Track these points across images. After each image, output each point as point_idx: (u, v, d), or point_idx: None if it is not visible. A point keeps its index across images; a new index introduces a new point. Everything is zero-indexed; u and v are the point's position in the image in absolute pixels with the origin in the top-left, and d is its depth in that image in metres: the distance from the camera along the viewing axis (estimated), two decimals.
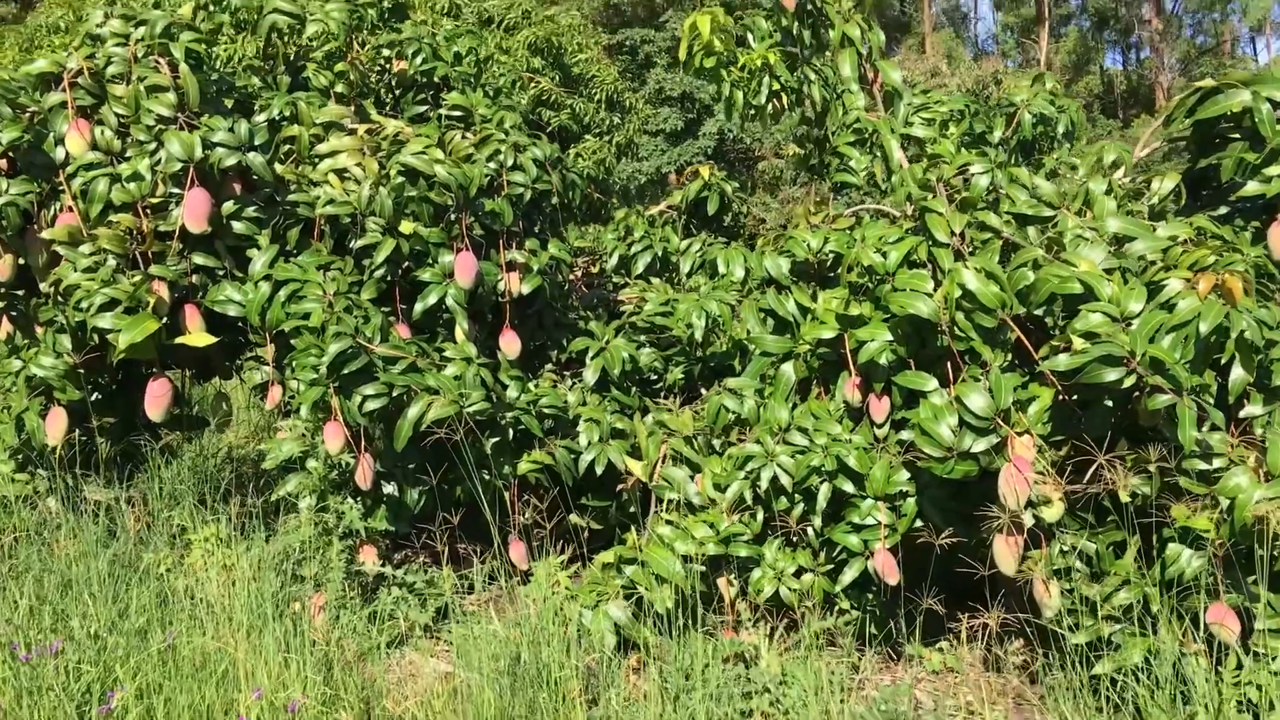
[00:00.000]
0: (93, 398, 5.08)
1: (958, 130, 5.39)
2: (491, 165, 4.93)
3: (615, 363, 5.19)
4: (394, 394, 4.36)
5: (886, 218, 4.88)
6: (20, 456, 5.07)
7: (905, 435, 4.13)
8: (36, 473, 5.14)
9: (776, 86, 5.80)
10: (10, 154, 4.48)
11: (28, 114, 4.49)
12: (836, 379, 4.45)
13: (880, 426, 4.25)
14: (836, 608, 4.42)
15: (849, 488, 4.20)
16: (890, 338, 4.06)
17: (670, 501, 4.67)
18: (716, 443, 4.82)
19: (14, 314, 4.81)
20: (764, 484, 4.31)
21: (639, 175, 25.41)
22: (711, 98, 26.39)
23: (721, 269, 5.22)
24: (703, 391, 5.53)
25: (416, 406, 4.39)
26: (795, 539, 4.48)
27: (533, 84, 12.64)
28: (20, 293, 4.86)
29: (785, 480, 4.30)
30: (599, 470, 5.02)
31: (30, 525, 4.77)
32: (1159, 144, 5.04)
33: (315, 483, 4.63)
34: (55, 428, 4.78)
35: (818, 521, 4.33)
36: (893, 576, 4.10)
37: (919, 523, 4.15)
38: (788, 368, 4.64)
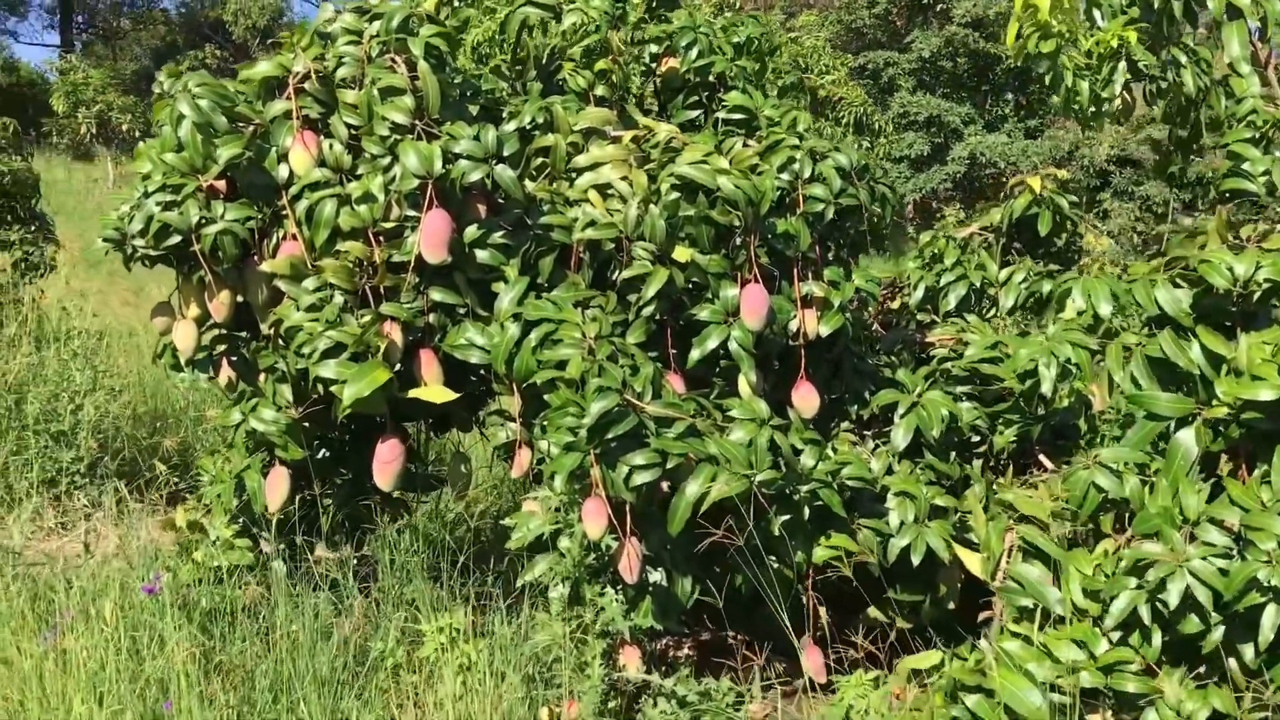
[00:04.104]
0: (319, 454, 4.42)
1: None
2: (784, 177, 3.98)
3: (933, 421, 4.11)
4: (668, 465, 3.45)
5: None
6: (241, 520, 4.45)
7: None
8: (262, 535, 4.52)
9: (1126, 76, 4.61)
10: (230, 174, 3.86)
11: (251, 127, 3.86)
12: (1271, 455, 3.24)
13: None
14: None
15: None
16: None
17: (1020, 609, 3.56)
18: (1065, 526, 3.70)
19: (234, 359, 4.19)
20: (1173, 598, 3.13)
21: None
22: (962, 119, 24.81)
23: (1079, 303, 4.07)
24: (1041, 459, 4.38)
25: (697, 482, 3.46)
26: (1205, 671, 3.28)
27: None
28: (243, 334, 4.25)
29: (1202, 594, 3.12)
30: (916, 559, 3.96)
31: (246, 602, 4.13)
32: None
33: (569, 568, 3.78)
34: (276, 491, 4.13)
35: (1249, 653, 3.13)
36: None
37: None
38: (1186, 436, 3.45)
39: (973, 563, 3.74)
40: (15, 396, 6.33)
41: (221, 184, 3.88)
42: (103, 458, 6.31)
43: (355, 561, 4.41)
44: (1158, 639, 3.27)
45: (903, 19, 27.89)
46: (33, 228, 8.70)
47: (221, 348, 4.22)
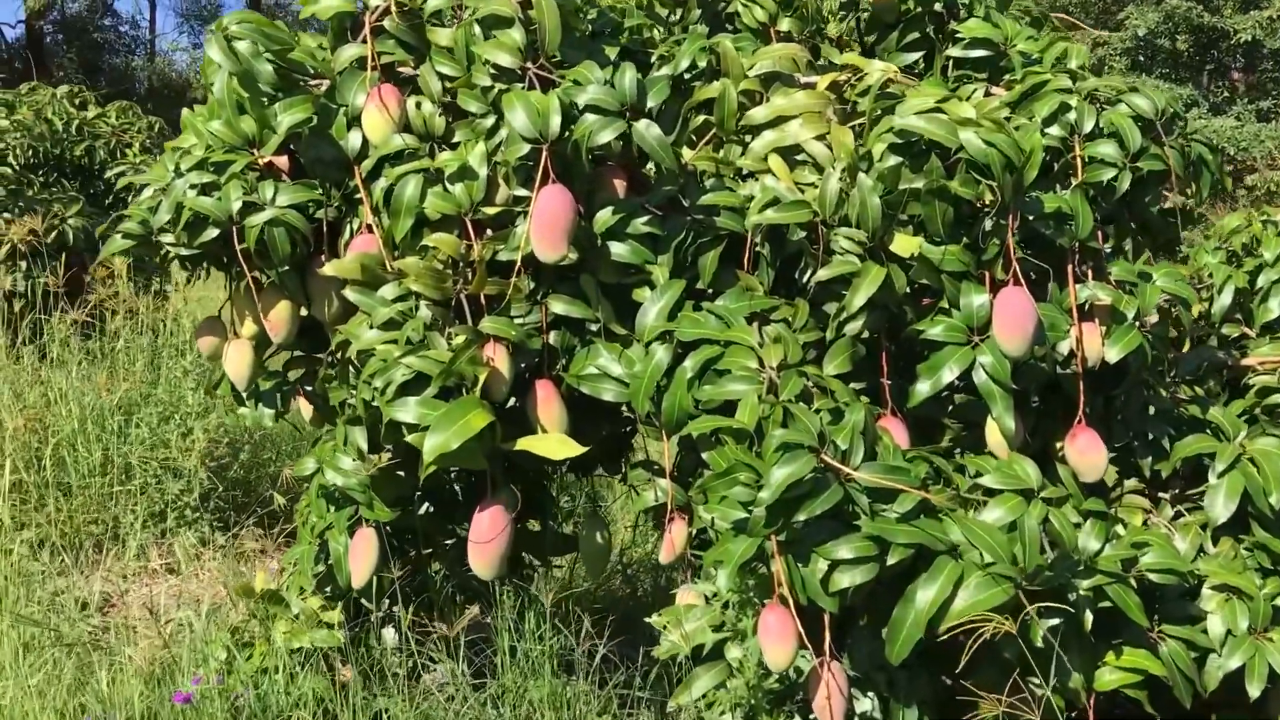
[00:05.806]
0: (423, 508, 3.44)
1: None
2: (1053, 132, 2.77)
3: (1271, 483, 2.82)
4: (889, 559, 2.29)
5: None
6: (329, 589, 3.52)
7: None
8: (363, 600, 3.57)
9: None
10: (293, 147, 2.91)
11: (317, 83, 2.90)
12: None
13: None
14: None
15: None
16: None
17: None
18: None
19: (311, 389, 3.26)
20: None
21: None
22: (1184, 102, 22.39)
23: None
24: None
25: (934, 586, 2.29)
26: None
27: None
28: (322, 357, 3.32)
29: None
30: (1254, 690, 2.69)
31: (325, 703, 3.19)
32: None
33: (741, 692, 2.67)
34: (362, 559, 3.16)
35: None
36: None
37: None
38: None
39: None
40: (123, 418, 5.66)
41: (283, 160, 2.93)
42: (216, 489, 5.56)
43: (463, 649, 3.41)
44: None
45: None
46: None
47: (296, 374, 3.30)
